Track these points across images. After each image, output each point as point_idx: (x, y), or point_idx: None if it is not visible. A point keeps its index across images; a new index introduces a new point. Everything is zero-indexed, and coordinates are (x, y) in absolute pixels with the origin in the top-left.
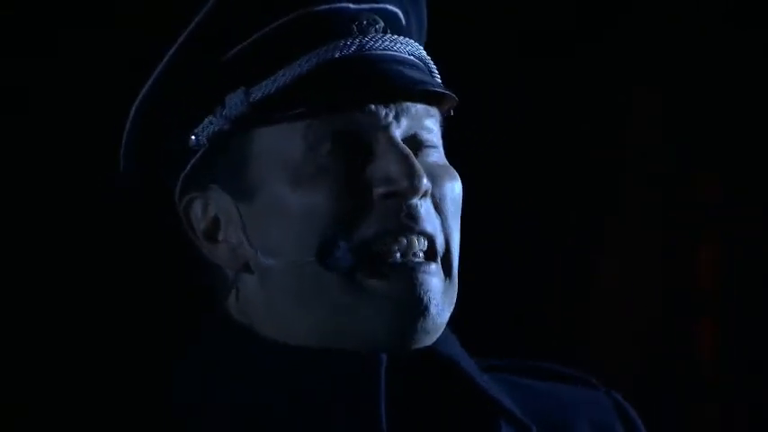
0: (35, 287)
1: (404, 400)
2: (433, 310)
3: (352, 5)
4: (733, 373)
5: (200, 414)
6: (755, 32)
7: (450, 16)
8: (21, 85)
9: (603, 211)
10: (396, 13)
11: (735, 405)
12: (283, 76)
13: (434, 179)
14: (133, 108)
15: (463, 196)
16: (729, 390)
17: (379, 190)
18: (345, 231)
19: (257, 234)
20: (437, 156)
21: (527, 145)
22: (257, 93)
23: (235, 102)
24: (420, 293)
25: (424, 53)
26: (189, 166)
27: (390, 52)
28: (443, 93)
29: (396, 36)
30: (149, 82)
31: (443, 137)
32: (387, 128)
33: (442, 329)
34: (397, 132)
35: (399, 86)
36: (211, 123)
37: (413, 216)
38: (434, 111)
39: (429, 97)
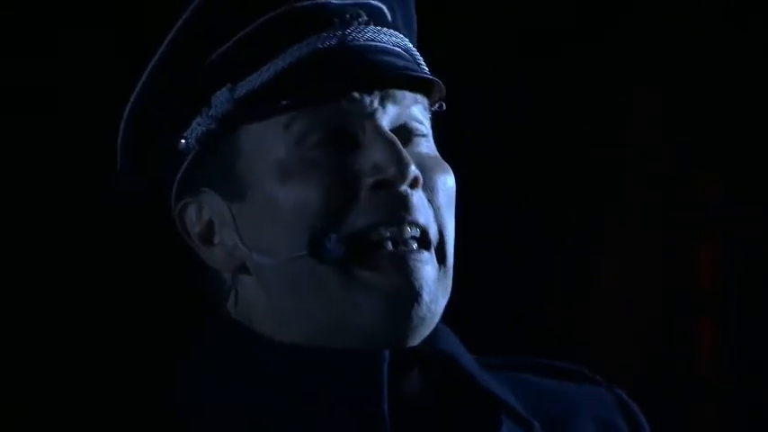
0: (40, 288)
1: (405, 398)
2: (426, 297)
3: (335, 0)
4: (733, 373)
5: (202, 414)
6: (755, 32)
7: (450, 16)
8: (21, 85)
9: (603, 211)
10: (380, 8)
11: (735, 405)
12: (267, 71)
13: (425, 170)
14: (124, 115)
15: (463, 196)
16: (729, 390)
17: (368, 180)
18: (335, 223)
19: (251, 234)
20: (427, 146)
21: (527, 145)
22: (241, 89)
23: (220, 100)
24: (411, 281)
25: (410, 45)
26: (181, 170)
27: (374, 43)
28: (428, 78)
29: (380, 27)
30: (137, 87)
31: (442, 137)
32: (372, 115)
33: (437, 317)
34: (384, 121)
35: (382, 72)
36: (199, 125)
37: (404, 206)
38: (422, 99)
39: (415, 86)
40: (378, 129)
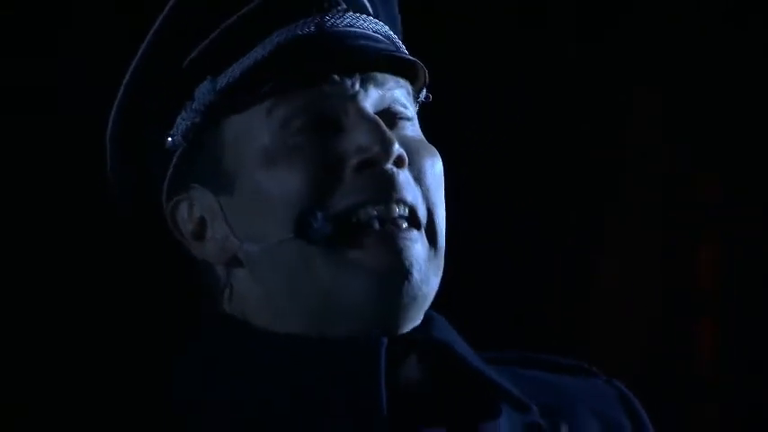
0: (38, 286)
1: (403, 387)
2: (416, 275)
3: None
4: (733, 373)
5: (200, 410)
6: (755, 32)
7: (450, 16)
8: (21, 85)
9: (603, 211)
10: (360, 0)
11: (735, 405)
12: (246, 60)
13: (411, 152)
14: (110, 119)
15: (463, 196)
16: (729, 390)
17: (352, 161)
18: (321, 203)
19: (241, 224)
20: (412, 129)
21: (527, 145)
22: (222, 80)
23: (202, 92)
24: (401, 259)
25: (391, 33)
26: (170, 168)
27: (353, 29)
28: (409, 60)
29: (359, 14)
30: (122, 88)
31: (443, 136)
32: (354, 98)
33: (428, 297)
34: (367, 103)
35: (361, 54)
36: (184, 119)
37: (390, 183)
38: (405, 83)
39: (397, 69)
40: (360, 111)
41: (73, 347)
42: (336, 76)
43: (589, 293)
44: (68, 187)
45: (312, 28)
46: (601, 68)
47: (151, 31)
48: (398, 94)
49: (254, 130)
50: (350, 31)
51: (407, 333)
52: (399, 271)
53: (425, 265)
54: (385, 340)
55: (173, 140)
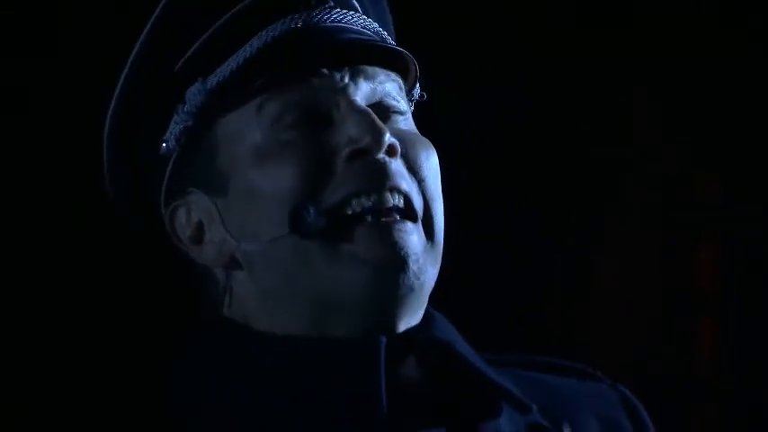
0: (37, 289)
1: (403, 387)
2: (413, 266)
3: None
4: (733, 373)
5: (200, 414)
6: (755, 32)
7: (450, 16)
8: (21, 85)
9: (603, 211)
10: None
11: (735, 405)
12: (235, 59)
13: (405, 143)
14: (106, 119)
15: (464, 196)
16: (729, 390)
17: (343, 152)
18: (314, 197)
19: (237, 225)
20: (405, 123)
21: (527, 145)
22: (213, 80)
23: (193, 93)
24: (396, 250)
25: (380, 29)
26: (166, 174)
27: (341, 24)
28: (397, 50)
29: (346, 11)
30: (115, 91)
31: (443, 136)
32: (344, 90)
33: (426, 289)
34: (357, 96)
35: (348, 46)
36: (176, 123)
37: (382, 172)
38: (396, 77)
39: (387, 63)
40: (351, 103)
41: (73, 351)
42: (325, 70)
43: (589, 293)
44: (68, 189)
45: (300, 24)
46: (601, 68)
47: (142, 34)
48: (390, 88)
49: (245, 129)
50: (337, 27)
51: (408, 332)
52: (395, 262)
53: (423, 256)
54: (384, 340)
55: (167, 146)
